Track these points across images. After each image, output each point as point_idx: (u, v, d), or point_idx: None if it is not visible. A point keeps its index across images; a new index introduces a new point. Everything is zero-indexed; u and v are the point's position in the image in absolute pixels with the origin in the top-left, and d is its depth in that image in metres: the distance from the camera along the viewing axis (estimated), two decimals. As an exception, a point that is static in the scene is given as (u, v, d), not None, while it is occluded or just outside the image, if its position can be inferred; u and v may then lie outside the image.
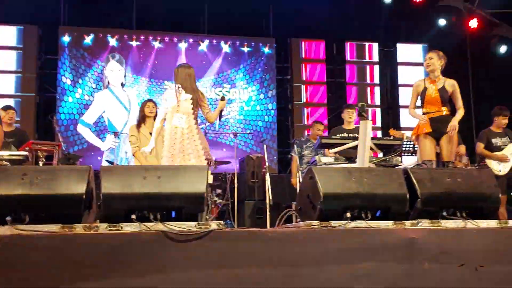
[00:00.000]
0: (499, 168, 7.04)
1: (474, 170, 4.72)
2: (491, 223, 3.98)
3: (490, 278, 3.60)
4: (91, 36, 11.16)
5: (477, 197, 4.08)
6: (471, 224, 3.89)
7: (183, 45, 11.55)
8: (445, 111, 5.89)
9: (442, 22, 11.42)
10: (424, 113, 5.99)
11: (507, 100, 8.28)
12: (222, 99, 5.81)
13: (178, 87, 5.39)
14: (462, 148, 7.14)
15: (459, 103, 5.92)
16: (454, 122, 5.81)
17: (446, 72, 6.05)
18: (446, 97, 5.88)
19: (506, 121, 7.27)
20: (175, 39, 11.57)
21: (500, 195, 4.47)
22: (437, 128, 5.84)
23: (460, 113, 5.89)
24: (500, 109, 7.30)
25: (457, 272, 3.57)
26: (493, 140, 7.25)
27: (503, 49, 11.47)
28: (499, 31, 11.45)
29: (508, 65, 11.68)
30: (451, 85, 5.91)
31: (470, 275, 3.57)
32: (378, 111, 12.39)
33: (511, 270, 3.65)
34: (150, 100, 6.70)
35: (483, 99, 11.10)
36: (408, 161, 8.00)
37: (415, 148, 7.94)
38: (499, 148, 7.20)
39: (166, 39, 11.54)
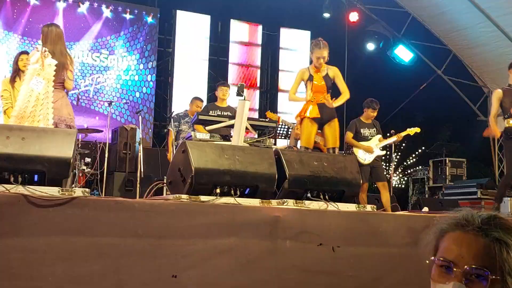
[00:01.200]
0: (364, 157, 7.43)
1: (340, 156, 4.94)
2: (351, 207, 4.21)
3: (345, 258, 3.80)
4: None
5: (340, 182, 4.30)
6: (332, 206, 4.08)
7: (61, 5, 10.95)
8: (328, 98, 6.06)
9: (325, 12, 11.78)
10: (310, 100, 6.11)
11: (377, 92, 8.74)
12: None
13: (45, 50, 5.08)
14: None
15: (343, 87, 6.10)
16: (335, 104, 6.00)
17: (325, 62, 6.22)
18: (330, 84, 6.06)
19: (375, 114, 7.67)
20: (54, -2, 10.96)
21: (362, 182, 4.73)
22: (322, 115, 6.01)
23: (344, 96, 6.09)
24: (371, 102, 7.69)
25: (316, 251, 3.73)
26: (362, 131, 7.63)
27: (378, 45, 12.08)
28: (376, 27, 12.04)
29: (381, 59, 12.37)
30: (333, 72, 6.09)
31: (328, 255, 3.75)
32: (257, 93, 12.58)
33: (364, 251, 3.88)
34: (24, 52, 6.28)
35: (356, 90, 11.63)
36: (281, 144, 8.22)
37: (289, 132, 8.18)
38: (366, 139, 7.59)
39: (44, -4, 10.90)
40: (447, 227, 1.35)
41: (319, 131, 6.15)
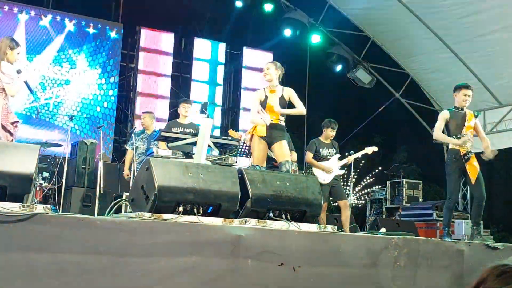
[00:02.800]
0: (323, 177, 7.53)
1: (302, 177, 5.02)
2: (312, 227, 4.28)
3: (306, 278, 3.86)
4: None
5: (302, 202, 4.36)
6: (294, 226, 4.14)
7: (23, 17, 10.81)
8: (281, 120, 6.15)
9: (287, 33, 11.95)
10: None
11: (337, 113, 8.89)
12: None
13: None
14: (294, 155, 7.50)
15: (298, 104, 6.15)
16: (282, 111, 6.08)
17: (285, 81, 6.34)
18: (284, 105, 6.14)
19: (334, 133, 7.81)
20: (15, 9, 10.81)
21: (322, 202, 4.80)
22: (271, 134, 6.08)
23: (298, 109, 6.13)
24: (329, 122, 7.82)
25: (277, 271, 3.78)
26: (321, 150, 7.75)
27: (339, 67, 12.31)
28: (337, 49, 12.27)
29: (341, 81, 12.59)
30: (288, 92, 6.18)
31: (289, 275, 3.79)
32: (218, 110, 12.62)
33: (324, 272, 3.95)
34: None
35: (316, 110, 11.82)
36: (242, 162, 8.27)
37: (250, 151, 8.25)
38: (326, 158, 7.71)
39: (5, 7, 10.73)
40: None
41: (269, 150, 6.21)
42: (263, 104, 6.18)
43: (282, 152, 6.02)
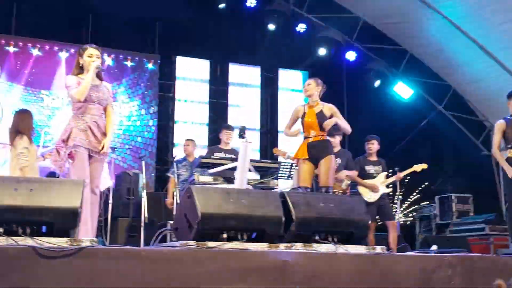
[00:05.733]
0: (369, 195, 7.39)
1: (346, 197, 4.93)
2: (360, 249, 4.17)
3: (356, 301, 3.75)
4: (-36, 39, 10.46)
5: (348, 223, 4.27)
6: (341, 249, 4.04)
7: (63, 55, 11.09)
8: (322, 136, 6.05)
9: (322, 51, 11.91)
10: (304, 137, 6.13)
11: (378, 129, 8.74)
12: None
13: None
14: (342, 173, 7.35)
15: (345, 125, 6.08)
16: (333, 120, 5.99)
17: (323, 100, 6.23)
18: (324, 121, 6.00)
19: (374, 146, 7.62)
20: (56, 48, 11.10)
21: (370, 222, 4.70)
22: (315, 153, 5.98)
23: (347, 124, 6.08)
24: (370, 137, 7.70)
25: (326, 295, 3.68)
26: (366, 168, 7.60)
27: (377, 83, 12.17)
28: (374, 65, 12.15)
29: (380, 97, 12.43)
30: (329, 109, 6.05)
31: (338, 298, 3.69)
32: (257, 134, 12.61)
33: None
34: None
35: (356, 128, 11.65)
36: (284, 185, 8.20)
37: (292, 172, 8.18)
38: (372, 176, 7.56)
39: (46, 47, 11.03)
40: None
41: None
42: (302, 121, 6.10)
43: (324, 175, 5.89)
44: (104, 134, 4.90)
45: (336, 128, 6.13)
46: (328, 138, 6.08)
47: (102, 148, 4.86)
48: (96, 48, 5.05)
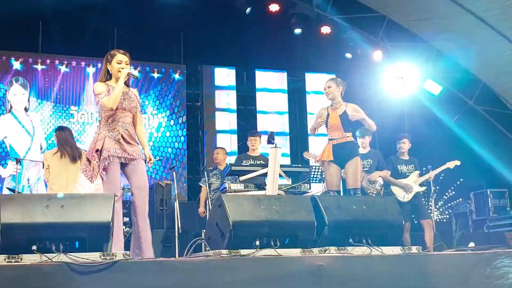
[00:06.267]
0: (402, 195, 7.28)
1: (379, 198, 4.87)
2: (395, 250, 4.11)
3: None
4: (-7, 58, 10.69)
5: (382, 224, 4.21)
6: (376, 251, 3.99)
7: (91, 70, 11.26)
8: (348, 137, 5.99)
9: (348, 53, 11.84)
10: (329, 139, 6.08)
11: (409, 128, 8.64)
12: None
13: None
14: (375, 174, 7.30)
15: (369, 122, 5.99)
16: (360, 115, 5.91)
17: (354, 103, 6.14)
18: (348, 122, 5.94)
19: (405, 145, 7.53)
20: (83, 64, 11.26)
21: (404, 222, 4.63)
22: (340, 156, 5.92)
23: (371, 121, 5.99)
24: (401, 135, 7.61)
25: (364, 298, 3.63)
26: (399, 167, 7.50)
27: (402, 81, 12.01)
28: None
29: (409, 95, 12.27)
30: (352, 109, 5.97)
31: (376, 301, 3.64)
32: (286, 138, 12.58)
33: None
34: None
35: (386, 129, 11.54)
36: (316, 188, 8.15)
37: (323, 176, 8.13)
38: (404, 175, 7.45)
39: (73, 63, 11.21)
40: None
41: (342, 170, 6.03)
42: (326, 123, 6.06)
43: (352, 177, 5.82)
44: (136, 142, 4.81)
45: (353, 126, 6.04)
46: (353, 140, 6.02)
47: (150, 160, 4.87)
48: (125, 54, 4.88)
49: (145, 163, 4.86)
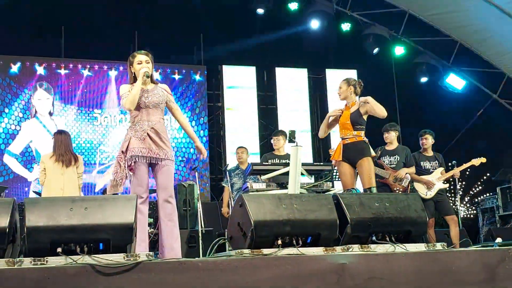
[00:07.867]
0: (425, 192, 7.21)
1: (402, 195, 4.82)
2: (419, 247, 4.06)
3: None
4: (18, 64, 10.84)
5: (405, 221, 4.16)
6: (400, 248, 3.95)
7: (113, 73, 11.38)
8: (357, 136, 5.89)
9: (370, 49, 11.76)
10: (341, 138, 6.02)
11: (433, 123, 8.54)
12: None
13: None
14: (402, 171, 7.19)
15: (378, 108, 5.79)
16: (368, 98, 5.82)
17: (375, 99, 6.04)
18: (358, 120, 5.86)
19: (428, 141, 7.43)
20: (105, 67, 11.39)
21: (428, 219, 4.57)
22: (350, 155, 5.85)
23: (380, 108, 5.78)
24: (424, 132, 7.53)
25: (388, 296, 3.60)
26: (422, 164, 7.41)
27: (427, 77, 11.93)
28: (424, 58, 11.90)
29: (432, 90, 12.17)
30: (363, 103, 5.89)
31: (400, 299, 3.61)
32: (308, 136, 12.54)
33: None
34: None
35: (409, 124, 11.44)
36: (339, 186, 8.11)
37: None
38: (428, 172, 7.36)
39: (96, 67, 11.34)
40: None
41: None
42: (338, 121, 6.05)
43: (365, 177, 5.75)
44: (165, 140, 4.79)
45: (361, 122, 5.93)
46: (364, 139, 5.90)
47: (202, 153, 5.04)
48: (145, 53, 4.88)
49: (199, 156, 5.03)
